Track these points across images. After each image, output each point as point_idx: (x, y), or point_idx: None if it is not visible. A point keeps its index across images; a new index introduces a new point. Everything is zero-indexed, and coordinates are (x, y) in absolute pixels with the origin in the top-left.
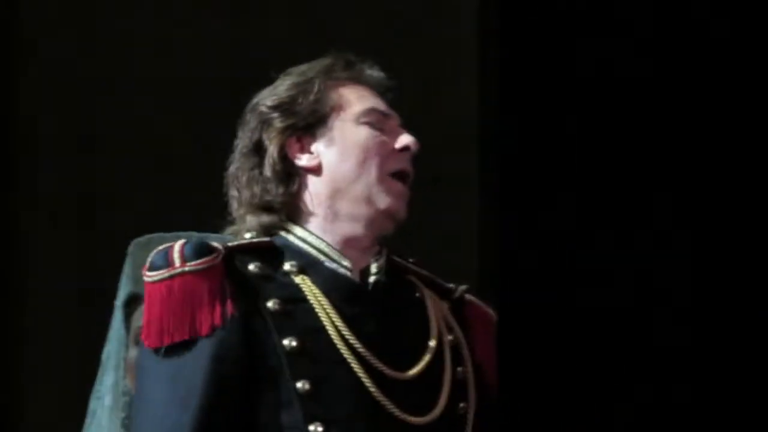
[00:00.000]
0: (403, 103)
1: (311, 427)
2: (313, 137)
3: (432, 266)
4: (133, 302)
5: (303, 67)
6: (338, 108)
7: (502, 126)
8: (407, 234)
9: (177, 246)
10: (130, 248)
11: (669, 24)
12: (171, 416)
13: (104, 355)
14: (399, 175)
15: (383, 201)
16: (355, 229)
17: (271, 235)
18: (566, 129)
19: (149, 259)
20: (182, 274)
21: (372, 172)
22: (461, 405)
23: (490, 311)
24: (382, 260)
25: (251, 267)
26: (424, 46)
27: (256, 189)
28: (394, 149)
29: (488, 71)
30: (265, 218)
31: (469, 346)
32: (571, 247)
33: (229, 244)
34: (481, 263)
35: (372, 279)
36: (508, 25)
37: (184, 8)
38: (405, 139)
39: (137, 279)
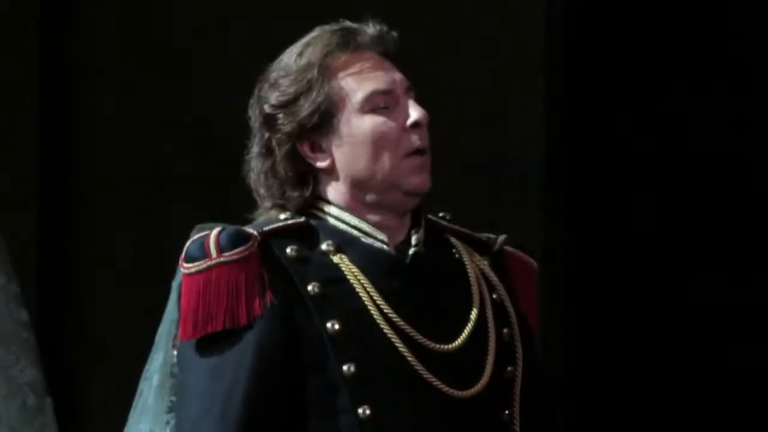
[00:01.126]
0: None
1: (360, 410)
2: (323, 135)
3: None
4: None
5: (298, 49)
6: (341, 101)
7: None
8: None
9: (212, 236)
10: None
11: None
12: (215, 410)
13: (157, 336)
14: (415, 152)
15: (407, 182)
16: (380, 214)
17: (305, 214)
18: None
19: (185, 250)
20: (219, 264)
21: (387, 161)
22: (509, 369)
23: (531, 260)
24: (421, 232)
25: (288, 250)
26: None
27: (275, 190)
28: (404, 128)
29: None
30: (291, 212)
31: (512, 299)
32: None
33: (265, 228)
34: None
35: (411, 251)
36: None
37: None
38: (414, 115)
39: None
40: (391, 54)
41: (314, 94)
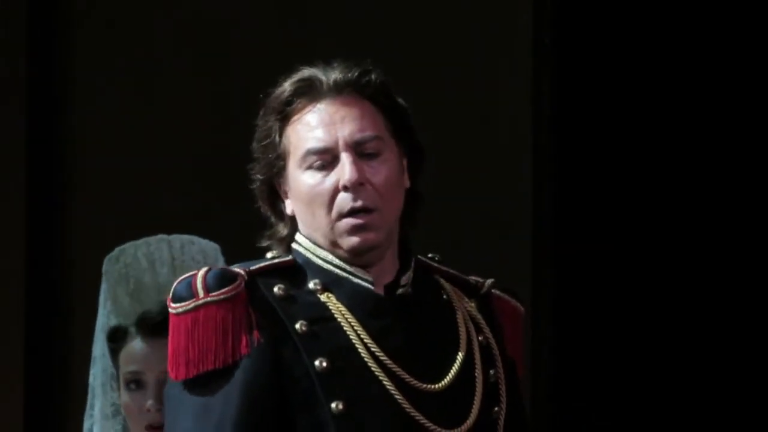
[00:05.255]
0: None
1: None
2: (285, 183)
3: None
4: (117, 337)
5: (272, 98)
6: (288, 155)
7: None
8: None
9: (200, 276)
10: (104, 266)
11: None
12: None
13: (91, 379)
14: (351, 213)
15: (345, 243)
16: (348, 261)
17: (292, 251)
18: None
19: (172, 290)
20: (206, 304)
21: (323, 221)
22: (495, 409)
23: (518, 305)
24: (410, 273)
25: (275, 289)
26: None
27: (272, 227)
28: (339, 188)
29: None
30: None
31: (499, 343)
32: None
33: (251, 267)
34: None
35: (399, 291)
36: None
37: None
38: (344, 177)
39: (115, 299)
40: (368, 95)
41: (272, 145)
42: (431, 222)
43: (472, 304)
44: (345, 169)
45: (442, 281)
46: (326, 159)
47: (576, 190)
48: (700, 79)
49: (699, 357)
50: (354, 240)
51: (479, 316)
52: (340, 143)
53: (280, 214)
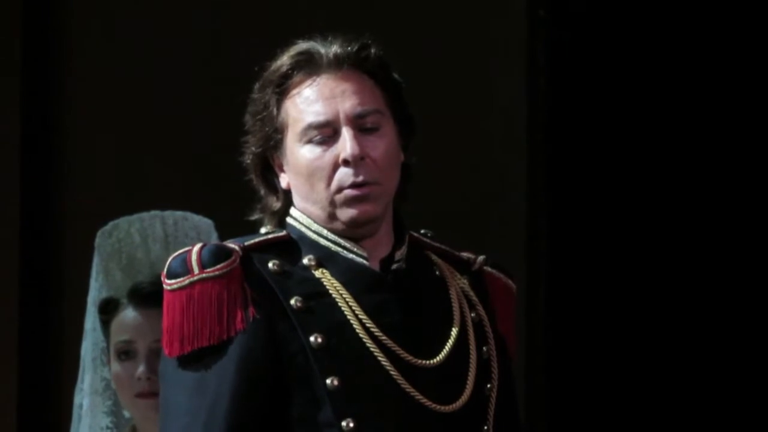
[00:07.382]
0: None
1: (343, 423)
2: (283, 156)
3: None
4: (108, 308)
5: (269, 71)
6: (286, 128)
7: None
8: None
9: (194, 251)
10: (97, 240)
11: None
12: (198, 425)
13: (82, 352)
14: (352, 187)
15: (343, 215)
16: (344, 235)
17: (286, 225)
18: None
19: (167, 266)
20: (201, 280)
21: (322, 195)
22: (487, 386)
23: (510, 282)
24: (404, 248)
25: (270, 265)
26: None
27: (263, 200)
28: (338, 162)
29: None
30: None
31: (491, 320)
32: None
33: (246, 243)
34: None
35: (393, 267)
36: None
37: None
38: (345, 152)
39: (107, 272)
40: (367, 69)
41: (269, 118)
42: (425, 217)
43: (465, 281)
44: (346, 144)
45: (435, 257)
46: (327, 133)
47: (570, 187)
48: (694, 80)
49: (697, 356)
50: (353, 212)
51: (472, 293)
52: (341, 117)
53: (272, 188)
